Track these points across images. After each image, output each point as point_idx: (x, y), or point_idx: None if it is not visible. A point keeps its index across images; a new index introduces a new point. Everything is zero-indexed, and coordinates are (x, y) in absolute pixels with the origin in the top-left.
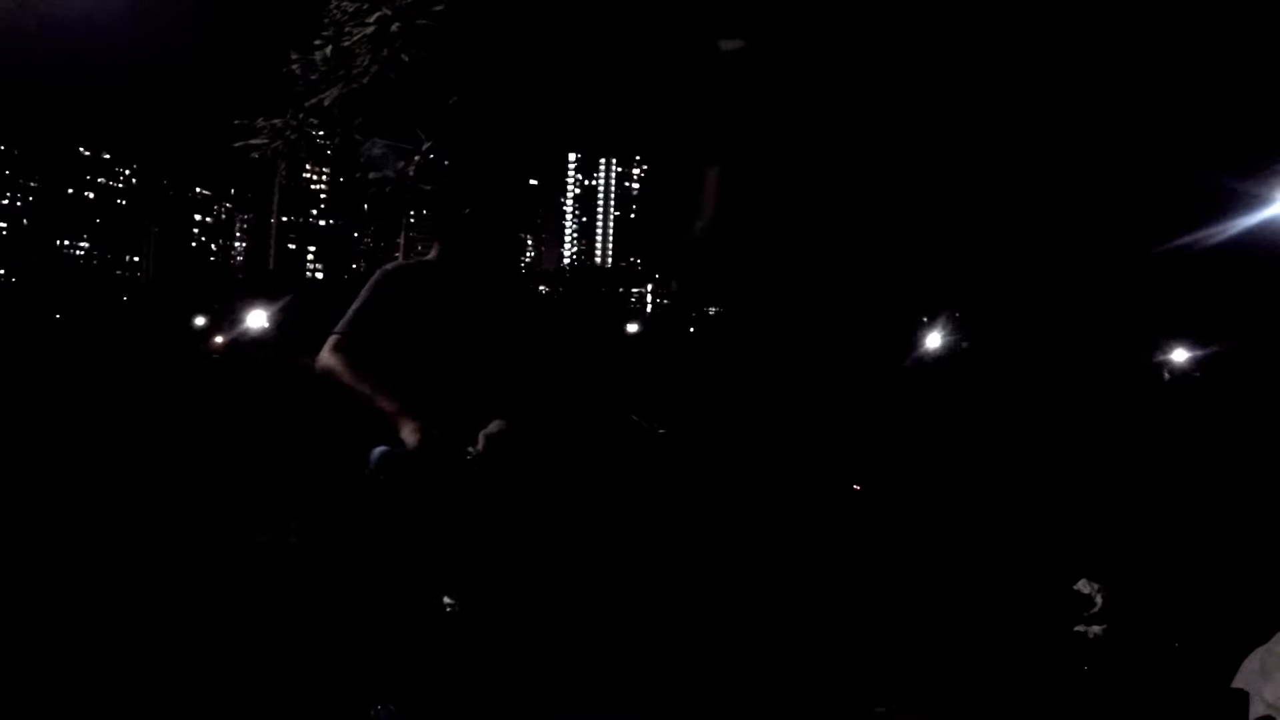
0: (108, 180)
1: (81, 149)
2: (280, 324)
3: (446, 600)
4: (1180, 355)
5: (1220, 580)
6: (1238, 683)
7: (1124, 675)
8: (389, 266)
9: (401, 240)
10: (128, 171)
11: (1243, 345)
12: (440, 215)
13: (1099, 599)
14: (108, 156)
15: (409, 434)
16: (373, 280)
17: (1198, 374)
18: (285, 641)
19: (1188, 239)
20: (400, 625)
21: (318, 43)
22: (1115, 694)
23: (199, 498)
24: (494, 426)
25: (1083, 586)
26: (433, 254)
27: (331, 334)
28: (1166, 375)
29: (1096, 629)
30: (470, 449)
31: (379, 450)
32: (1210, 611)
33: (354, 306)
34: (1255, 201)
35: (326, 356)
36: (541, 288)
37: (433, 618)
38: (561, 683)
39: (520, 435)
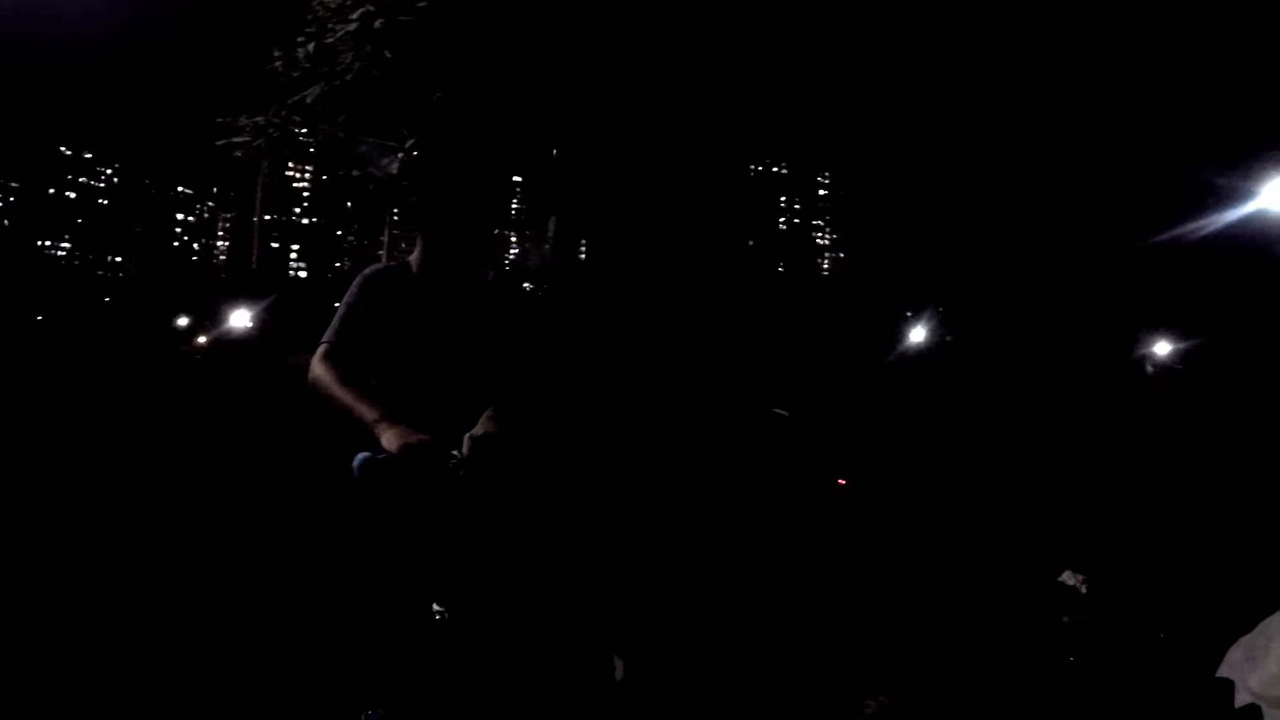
0: (89, 180)
1: (63, 148)
2: (264, 323)
3: (436, 607)
4: (1163, 348)
5: (1204, 570)
6: (1222, 672)
7: (1109, 665)
8: (369, 271)
9: (385, 238)
10: (109, 171)
11: (1221, 339)
12: (423, 214)
13: (1083, 590)
14: (89, 156)
15: (390, 440)
16: (355, 284)
17: (1179, 367)
18: (274, 645)
19: (1169, 234)
20: (388, 632)
21: (300, 40)
22: (1101, 684)
23: (182, 497)
24: (479, 428)
25: (1067, 578)
26: (416, 254)
27: (319, 344)
28: (1149, 368)
29: (1081, 620)
30: (455, 452)
31: (362, 456)
32: (1194, 601)
33: (339, 314)
34: (1234, 196)
35: (315, 367)
36: (525, 284)
37: (422, 624)
38: (550, 685)
39: (506, 437)
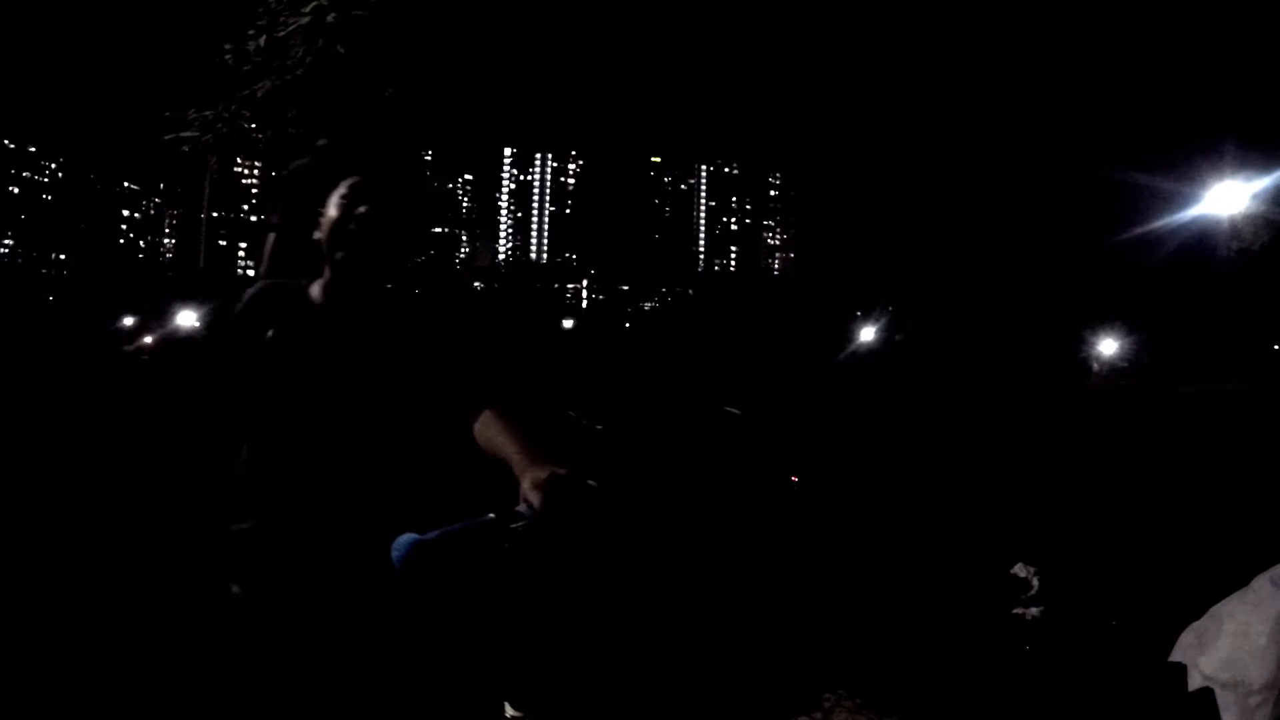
0: (33, 175)
1: (6, 142)
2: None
3: (511, 712)
4: (1108, 346)
5: (1154, 559)
6: (1175, 656)
7: (1064, 654)
8: (254, 290)
9: None
10: (54, 165)
11: (1166, 338)
12: (337, 231)
13: (1035, 582)
14: (33, 150)
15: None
16: (239, 306)
17: (1125, 364)
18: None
19: (1115, 235)
20: None
21: (251, 33)
22: (1056, 672)
23: (134, 491)
24: (543, 474)
25: (1019, 570)
26: (318, 285)
27: None
28: (1095, 366)
29: (1035, 611)
30: (520, 509)
31: (406, 538)
32: (1145, 589)
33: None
34: (1177, 199)
35: None
36: (476, 284)
37: None
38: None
39: (580, 483)
